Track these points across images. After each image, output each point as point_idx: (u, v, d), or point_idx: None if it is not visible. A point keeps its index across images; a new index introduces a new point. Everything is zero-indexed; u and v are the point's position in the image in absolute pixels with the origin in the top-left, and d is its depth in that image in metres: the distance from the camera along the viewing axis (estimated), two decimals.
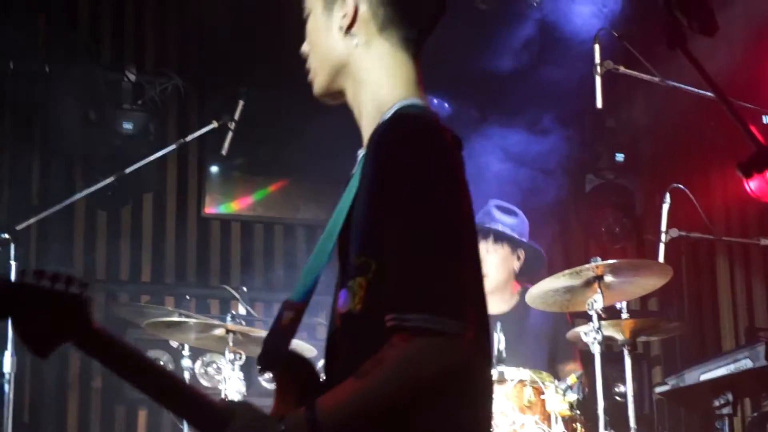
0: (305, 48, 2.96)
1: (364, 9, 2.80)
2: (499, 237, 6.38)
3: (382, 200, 2.55)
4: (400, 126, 2.64)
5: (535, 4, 8.24)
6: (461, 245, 2.57)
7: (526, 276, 6.42)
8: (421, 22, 2.86)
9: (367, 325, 2.55)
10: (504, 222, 6.40)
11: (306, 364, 2.71)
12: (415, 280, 2.46)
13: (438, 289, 2.45)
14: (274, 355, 2.69)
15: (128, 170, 6.28)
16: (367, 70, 2.81)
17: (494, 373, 5.38)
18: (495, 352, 5.47)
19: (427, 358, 2.42)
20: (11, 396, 5.26)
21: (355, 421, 2.45)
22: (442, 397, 2.49)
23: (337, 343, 2.69)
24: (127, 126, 7.70)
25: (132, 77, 7.84)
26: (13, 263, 5.47)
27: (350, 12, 2.80)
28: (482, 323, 2.65)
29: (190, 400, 2.59)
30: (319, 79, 2.92)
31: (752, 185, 6.45)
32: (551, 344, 6.27)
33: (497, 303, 6.41)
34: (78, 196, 6.33)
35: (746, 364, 6.94)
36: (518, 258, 6.45)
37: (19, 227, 5.64)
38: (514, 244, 6.42)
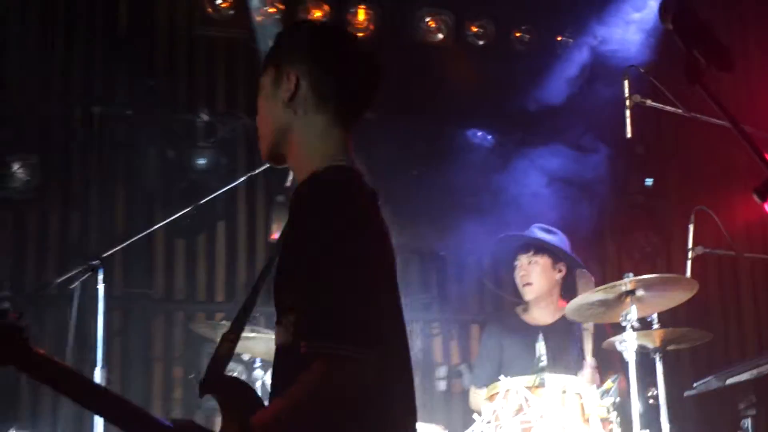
0: (258, 119, 3.11)
1: (304, 85, 2.97)
2: (539, 249, 6.42)
3: (295, 246, 2.77)
4: (311, 183, 2.83)
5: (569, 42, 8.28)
6: (365, 280, 2.72)
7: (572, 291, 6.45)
8: (354, 100, 3.03)
9: (296, 354, 2.70)
10: (544, 238, 6.43)
11: (247, 388, 2.85)
12: (321, 314, 2.66)
13: (338, 320, 2.64)
14: (213, 380, 2.85)
15: (203, 201, 6.33)
16: (304, 138, 2.97)
17: (536, 379, 5.39)
18: (537, 360, 5.49)
19: (335, 379, 2.61)
20: None
21: None
22: (357, 411, 2.68)
23: (277, 370, 2.90)
24: (201, 162, 7.78)
25: (205, 118, 7.91)
26: (101, 286, 5.53)
27: (292, 87, 2.97)
28: (395, 344, 2.84)
29: (136, 418, 2.70)
30: (264, 144, 3.07)
31: None
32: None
33: (543, 315, 6.49)
34: (158, 225, 6.38)
35: None
36: (559, 270, 6.46)
37: (105, 254, 5.70)
38: (555, 256, 6.44)
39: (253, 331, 6.33)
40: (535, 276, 6.42)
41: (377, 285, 2.78)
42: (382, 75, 3.07)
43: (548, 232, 6.50)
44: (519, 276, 6.47)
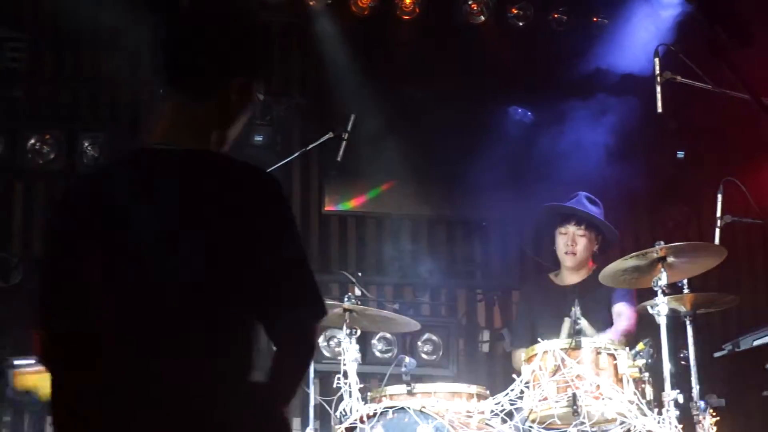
0: None
1: None
2: (591, 224, 6.42)
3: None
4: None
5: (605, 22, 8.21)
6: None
7: (603, 257, 6.46)
8: None
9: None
10: (592, 211, 6.44)
11: None
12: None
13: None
14: None
15: None
16: None
17: (572, 342, 5.38)
18: (573, 324, 5.47)
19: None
20: None
21: None
22: None
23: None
24: (258, 138, 7.79)
25: (261, 97, 7.89)
26: None
27: None
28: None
29: None
30: None
31: None
32: (610, 301, 6.32)
33: (573, 277, 6.55)
34: None
35: None
36: (597, 242, 6.48)
37: None
38: (598, 230, 6.45)
39: None
40: (580, 247, 6.47)
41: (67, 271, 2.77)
42: None
43: (594, 202, 6.52)
44: (563, 244, 6.47)
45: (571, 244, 6.44)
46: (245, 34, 2.92)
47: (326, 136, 6.48)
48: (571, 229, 6.45)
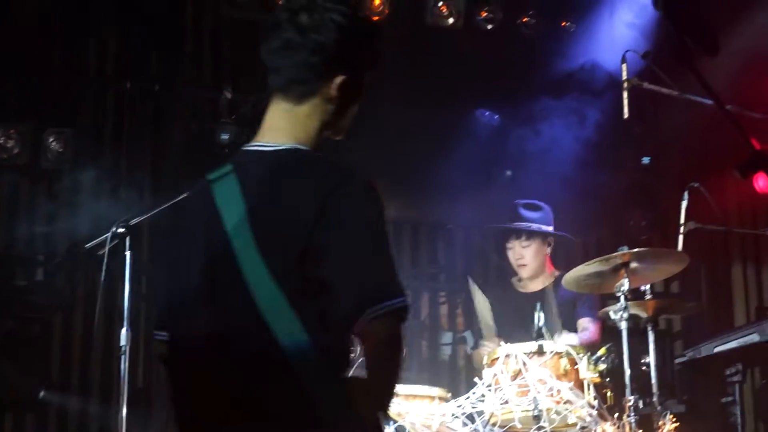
0: None
1: None
2: (530, 235, 6.42)
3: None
4: None
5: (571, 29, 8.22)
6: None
7: (563, 259, 6.46)
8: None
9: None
10: (531, 218, 6.45)
11: None
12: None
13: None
14: None
15: None
16: None
17: (535, 345, 5.37)
18: (536, 328, 5.46)
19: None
20: (127, 366, 5.29)
21: None
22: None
23: None
24: (224, 136, 7.74)
25: (228, 95, 7.88)
26: (128, 253, 5.50)
27: None
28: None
29: None
30: None
31: (760, 183, 6.34)
32: (574, 309, 6.29)
33: (536, 283, 6.51)
34: (183, 195, 6.34)
35: (754, 338, 6.86)
36: (549, 244, 6.52)
37: (133, 222, 5.66)
38: (543, 235, 6.45)
39: None
40: (529, 257, 6.48)
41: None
42: None
43: (533, 208, 6.51)
44: (513, 258, 6.51)
45: (519, 257, 6.47)
46: (356, 32, 2.95)
47: None
48: (515, 243, 6.48)
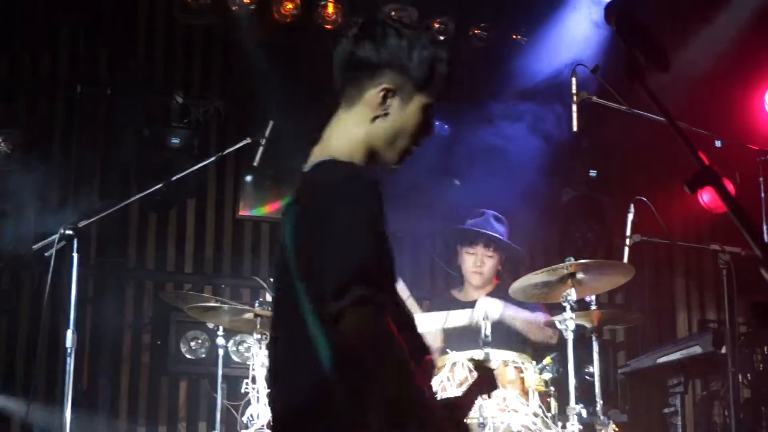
0: None
1: None
2: (498, 246, 6.44)
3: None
4: None
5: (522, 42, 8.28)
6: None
7: (511, 272, 6.47)
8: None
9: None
10: (499, 231, 6.46)
11: None
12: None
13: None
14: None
15: (174, 178, 6.27)
16: None
17: (482, 353, 5.39)
18: (483, 337, 5.47)
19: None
20: (71, 368, 5.26)
21: None
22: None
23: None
24: (175, 141, 7.71)
25: (180, 100, 7.85)
26: (75, 255, 5.47)
27: None
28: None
29: None
30: None
31: (705, 198, 6.42)
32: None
33: (478, 293, 6.49)
34: (132, 199, 6.32)
35: (696, 350, 6.96)
36: (502, 261, 6.51)
37: (81, 224, 5.63)
38: (505, 250, 6.48)
39: (218, 301, 6.30)
40: (487, 268, 6.48)
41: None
42: None
43: (500, 221, 6.53)
44: (472, 263, 6.48)
45: (480, 264, 6.47)
46: (402, 38, 2.91)
47: (244, 142, 6.41)
48: (480, 250, 6.48)
